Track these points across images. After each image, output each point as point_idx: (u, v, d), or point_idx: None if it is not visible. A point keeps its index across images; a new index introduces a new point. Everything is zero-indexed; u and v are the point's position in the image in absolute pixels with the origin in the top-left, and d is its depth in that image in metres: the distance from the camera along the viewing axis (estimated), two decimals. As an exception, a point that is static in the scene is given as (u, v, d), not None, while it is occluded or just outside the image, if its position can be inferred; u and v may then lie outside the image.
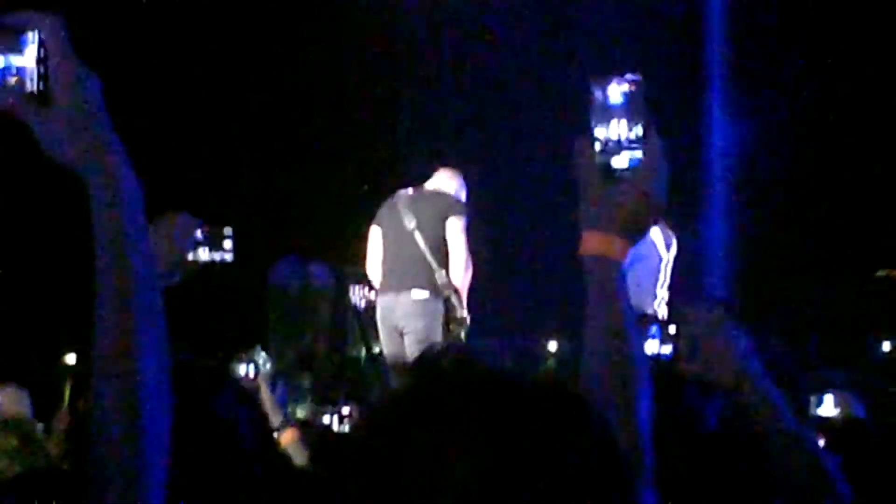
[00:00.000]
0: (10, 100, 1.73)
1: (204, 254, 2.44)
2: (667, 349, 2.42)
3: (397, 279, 7.68)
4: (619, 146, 2.01)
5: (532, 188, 13.67)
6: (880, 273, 14.53)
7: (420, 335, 7.49)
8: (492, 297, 10.27)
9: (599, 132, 2.02)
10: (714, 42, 14.36)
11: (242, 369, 4.32)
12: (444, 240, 7.68)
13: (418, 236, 7.64)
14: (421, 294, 7.60)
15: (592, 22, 13.86)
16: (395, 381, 7.69)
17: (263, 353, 4.64)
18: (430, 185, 8.01)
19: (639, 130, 2.01)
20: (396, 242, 7.74)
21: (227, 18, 13.41)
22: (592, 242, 2.01)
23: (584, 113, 2.06)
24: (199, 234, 2.43)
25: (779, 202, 13.96)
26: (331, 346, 13.11)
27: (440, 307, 7.63)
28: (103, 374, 1.70)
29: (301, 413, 5.14)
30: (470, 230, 7.83)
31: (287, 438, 4.14)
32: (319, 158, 13.86)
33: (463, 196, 8.02)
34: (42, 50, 1.72)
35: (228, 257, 2.45)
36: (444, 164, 8.28)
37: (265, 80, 13.62)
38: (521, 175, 14.06)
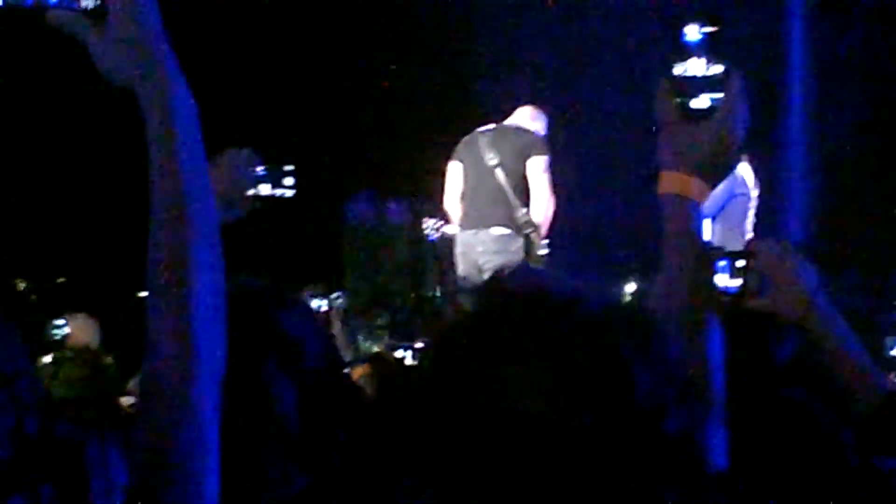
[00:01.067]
0: (68, 16, 1.71)
1: (265, 189, 2.43)
2: (735, 283, 2.40)
3: (478, 215, 7.64)
4: (698, 86, 2.01)
5: (613, 127, 13.59)
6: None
7: None
8: (571, 237, 10.24)
9: (679, 72, 2.02)
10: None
11: (315, 304, 4.33)
12: (526, 177, 7.65)
13: (500, 173, 7.60)
14: (502, 231, 7.56)
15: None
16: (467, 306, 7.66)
17: (338, 292, 4.64)
18: (511, 122, 7.96)
19: (718, 70, 2.01)
20: (477, 179, 7.70)
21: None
22: (671, 182, 2.02)
23: (664, 52, 2.05)
24: (259, 169, 2.43)
25: (862, 140, 13.76)
26: (408, 283, 13.15)
27: (520, 244, 7.61)
28: (156, 289, 1.69)
29: (376, 349, 5.15)
30: (551, 168, 7.79)
31: (358, 373, 4.14)
32: (397, 95, 13.84)
33: (544, 133, 7.96)
34: None
35: (289, 193, 2.45)
36: (528, 103, 8.21)
37: (338, 12, 13.59)
38: (601, 114, 13.97)
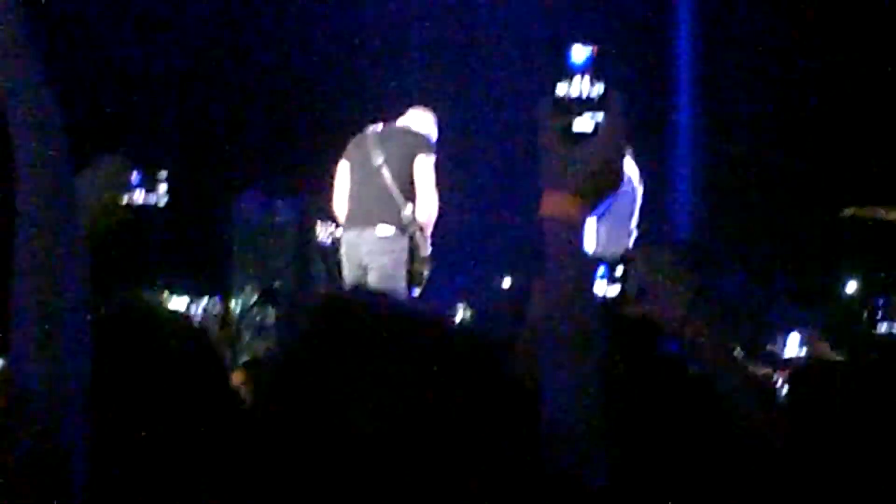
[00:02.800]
0: None
1: (139, 197, 2.38)
2: (613, 290, 2.39)
3: (363, 215, 7.58)
4: (580, 106, 2.00)
5: (498, 132, 13.73)
6: (847, 211, 14.56)
7: (384, 271, 7.43)
8: (455, 237, 10.31)
9: (561, 91, 2.00)
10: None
11: (191, 309, 4.26)
12: (412, 177, 7.63)
13: (385, 172, 7.55)
14: (386, 230, 7.51)
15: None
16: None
17: (214, 297, 4.56)
18: (400, 122, 7.92)
19: (600, 90, 1.99)
20: (363, 178, 7.64)
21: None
22: (552, 203, 2.00)
23: (550, 67, 2.05)
24: (133, 176, 2.37)
25: (748, 140, 13.98)
26: (296, 281, 13.12)
27: (405, 244, 7.57)
28: (20, 298, 1.66)
29: (260, 350, 5.10)
30: (437, 170, 7.78)
31: (236, 378, 4.11)
32: (288, 95, 13.78)
33: (434, 135, 7.95)
34: None
35: (163, 201, 2.40)
36: (417, 104, 8.19)
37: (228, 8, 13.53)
38: (487, 119, 14.10)
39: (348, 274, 7.67)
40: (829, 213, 14.10)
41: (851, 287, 15.36)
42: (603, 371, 2.02)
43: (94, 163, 2.33)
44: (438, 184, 7.76)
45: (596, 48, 2.00)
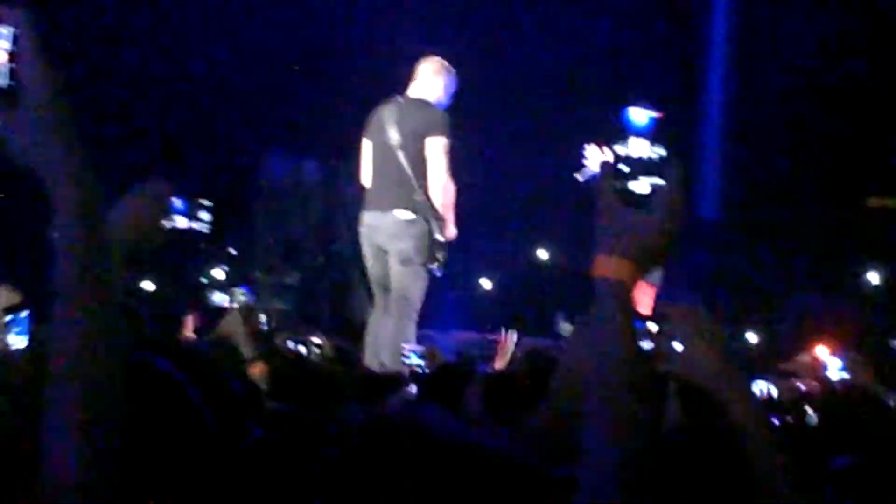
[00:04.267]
0: None
1: (180, 222, 2.39)
2: (647, 345, 2.38)
3: (383, 197, 7.39)
4: (638, 170, 1.99)
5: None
6: (873, 201, 14.52)
7: (404, 255, 7.33)
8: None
9: (620, 153, 1.99)
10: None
11: (218, 297, 4.27)
12: (424, 158, 7.50)
13: (401, 154, 7.40)
14: (406, 215, 7.35)
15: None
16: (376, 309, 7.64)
17: (241, 287, 4.58)
18: (415, 89, 7.71)
19: (660, 154, 1.98)
20: (382, 159, 7.44)
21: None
22: (605, 266, 1.99)
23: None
24: (175, 202, 2.38)
25: (774, 129, 13.95)
26: (319, 242, 13.13)
27: (425, 228, 7.47)
28: (56, 351, 1.69)
29: (278, 339, 5.10)
30: (451, 149, 7.62)
31: (256, 371, 4.12)
32: (314, 58, 13.78)
33: (450, 92, 7.69)
34: (14, 45, 1.67)
35: (205, 229, 2.41)
36: (429, 56, 7.90)
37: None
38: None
39: (368, 255, 7.58)
40: (853, 203, 14.08)
41: (873, 278, 15.32)
42: (641, 423, 2.02)
43: (136, 188, 2.34)
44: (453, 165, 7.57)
45: (660, 113, 1.99)
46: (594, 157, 7.60)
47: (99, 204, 1.73)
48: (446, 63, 7.70)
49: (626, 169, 1.97)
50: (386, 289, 7.41)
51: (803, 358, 7.08)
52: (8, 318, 3.47)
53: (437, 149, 7.36)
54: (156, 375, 2.09)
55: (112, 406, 1.71)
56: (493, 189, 14.62)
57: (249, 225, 13.44)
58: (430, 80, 7.60)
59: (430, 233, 7.42)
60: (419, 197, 7.36)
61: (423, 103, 7.50)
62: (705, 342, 2.40)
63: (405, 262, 7.34)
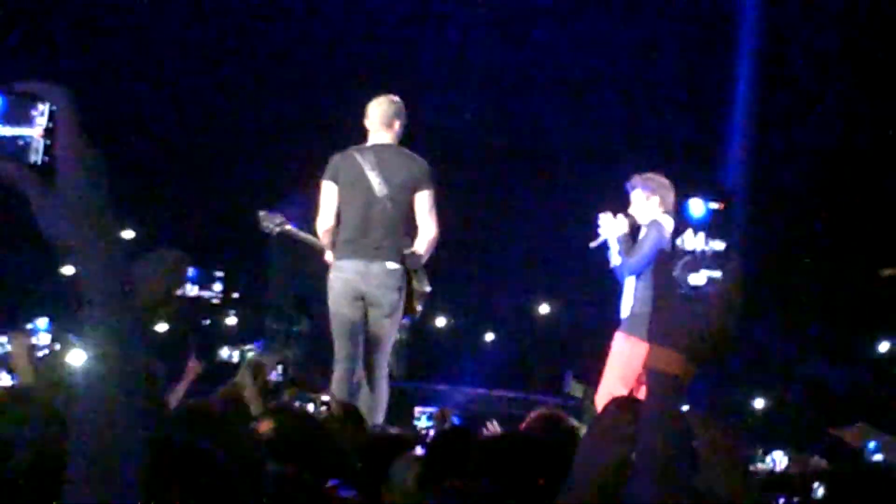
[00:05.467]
0: (12, 168, 1.69)
1: (192, 290, 2.38)
2: None
3: (368, 246, 7.36)
4: (698, 262, 1.96)
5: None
6: (887, 271, 14.48)
7: (393, 306, 7.30)
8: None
9: (680, 244, 1.98)
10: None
11: (226, 353, 4.26)
12: (413, 209, 7.45)
13: (389, 205, 7.35)
14: (394, 265, 7.36)
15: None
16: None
17: (252, 343, 4.55)
18: (381, 134, 7.53)
19: (719, 247, 1.96)
20: (365, 208, 7.30)
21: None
22: (658, 358, 1.97)
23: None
24: (190, 271, 2.37)
25: (791, 199, 13.96)
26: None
27: (405, 278, 7.45)
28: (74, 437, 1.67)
29: (286, 396, 5.08)
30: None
31: (264, 428, 4.09)
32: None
33: (402, 122, 7.58)
34: (51, 122, 1.68)
35: (216, 299, 2.41)
36: (382, 95, 7.71)
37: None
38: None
39: (345, 303, 7.43)
40: (866, 272, 14.05)
41: (884, 347, 15.26)
42: None
43: (154, 256, 2.33)
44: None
45: (720, 205, 1.96)
46: (607, 225, 7.65)
47: (126, 282, 1.72)
48: (399, 99, 7.66)
49: (683, 261, 1.93)
50: (355, 337, 7.31)
51: (850, 430, 6.99)
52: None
53: (428, 202, 7.42)
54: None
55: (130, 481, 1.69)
56: (507, 245, 14.69)
57: (261, 272, 13.50)
58: (394, 123, 7.56)
59: (413, 283, 7.45)
60: (407, 249, 7.37)
61: (403, 153, 7.51)
62: (731, 460, 2.37)
63: (393, 313, 7.34)
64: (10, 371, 6.02)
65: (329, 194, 7.44)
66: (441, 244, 7.66)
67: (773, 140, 14.03)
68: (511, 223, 14.69)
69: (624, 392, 6.97)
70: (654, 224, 7.47)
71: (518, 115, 14.88)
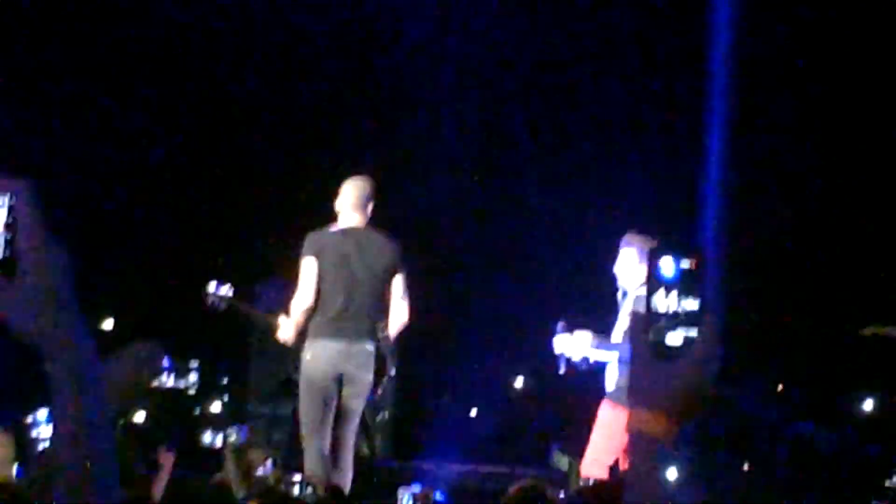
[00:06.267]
0: None
1: (168, 381, 2.39)
2: None
3: (353, 327, 7.35)
4: (674, 321, 1.95)
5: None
6: (867, 330, 14.47)
7: (366, 388, 7.37)
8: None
9: (654, 304, 1.97)
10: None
11: (209, 438, 4.26)
12: (388, 292, 7.54)
13: (369, 289, 7.42)
14: (371, 347, 7.44)
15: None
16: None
17: (234, 427, 4.55)
18: (355, 216, 7.56)
19: (694, 306, 1.95)
20: (347, 290, 7.34)
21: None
22: (639, 419, 1.98)
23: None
24: (165, 362, 2.38)
25: (772, 256, 13.98)
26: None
27: (375, 357, 7.51)
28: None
29: (272, 478, 5.06)
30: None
31: (250, 509, 4.11)
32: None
33: (373, 204, 7.65)
34: (11, 216, 1.66)
35: (192, 390, 2.42)
36: (357, 176, 7.74)
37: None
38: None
39: (322, 383, 7.41)
40: (847, 331, 14.05)
41: (868, 405, 15.25)
42: None
43: (128, 347, 2.35)
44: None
45: (693, 262, 1.95)
46: (568, 346, 7.57)
47: (95, 373, 1.74)
48: (372, 180, 7.72)
49: (658, 322, 1.94)
50: (328, 415, 7.37)
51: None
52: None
53: (403, 285, 7.53)
54: None
55: None
56: (493, 320, 14.68)
57: (243, 356, 13.50)
58: (367, 205, 7.62)
59: (384, 364, 7.53)
60: (382, 331, 7.45)
61: (380, 237, 7.58)
62: None
63: (365, 392, 7.43)
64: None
65: (310, 271, 7.48)
66: (421, 322, 7.72)
67: (748, 195, 14.08)
68: (501, 298, 14.72)
69: (610, 461, 6.97)
70: (641, 300, 7.43)
71: (493, 187, 14.98)
